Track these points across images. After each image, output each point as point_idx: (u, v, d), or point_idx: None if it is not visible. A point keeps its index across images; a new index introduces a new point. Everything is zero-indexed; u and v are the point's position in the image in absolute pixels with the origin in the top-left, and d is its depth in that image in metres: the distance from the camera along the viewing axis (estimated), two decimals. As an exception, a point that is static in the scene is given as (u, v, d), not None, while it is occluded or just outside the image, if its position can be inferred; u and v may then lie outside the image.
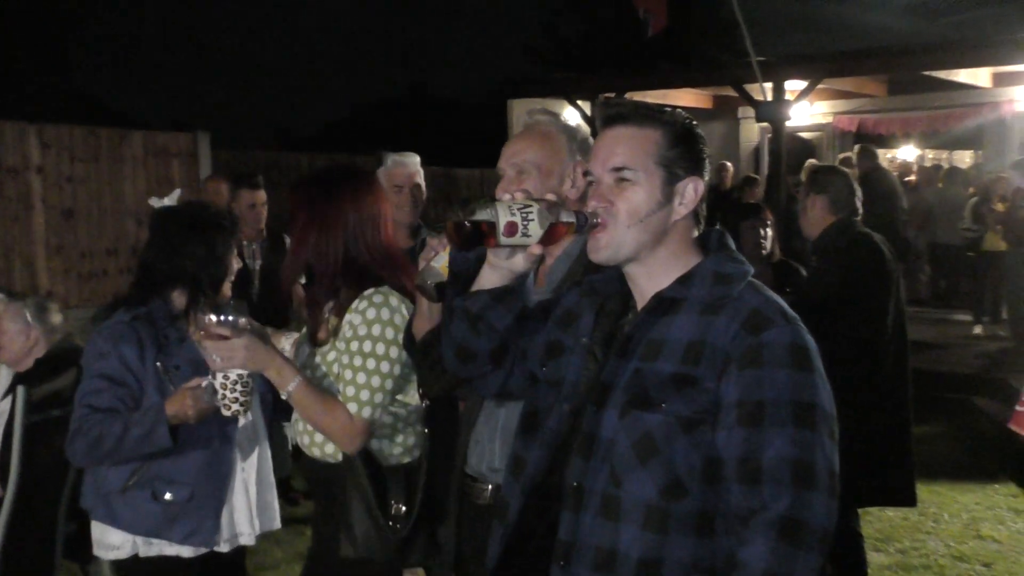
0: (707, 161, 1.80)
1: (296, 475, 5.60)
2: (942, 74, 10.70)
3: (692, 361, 1.64)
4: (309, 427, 2.58)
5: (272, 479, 2.88)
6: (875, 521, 5.52)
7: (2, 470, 3.41)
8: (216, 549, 2.68)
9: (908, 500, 3.87)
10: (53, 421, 3.44)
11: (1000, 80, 12.08)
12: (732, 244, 1.81)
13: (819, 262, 3.92)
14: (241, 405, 2.45)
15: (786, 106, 9.98)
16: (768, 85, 9.92)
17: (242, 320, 2.39)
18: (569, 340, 1.85)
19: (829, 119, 13.16)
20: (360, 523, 2.43)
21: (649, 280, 1.76)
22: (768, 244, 4.28)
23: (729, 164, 11.33)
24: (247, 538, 2.78)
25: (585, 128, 2.41)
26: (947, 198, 11.63)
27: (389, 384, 2.49)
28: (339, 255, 2.52)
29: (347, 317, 2.49)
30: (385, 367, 2.46)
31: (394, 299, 2.50)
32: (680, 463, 1.62)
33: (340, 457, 2.53)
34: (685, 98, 13.10)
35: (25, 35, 16.88)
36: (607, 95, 11.27)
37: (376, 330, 2.46)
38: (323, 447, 2.57)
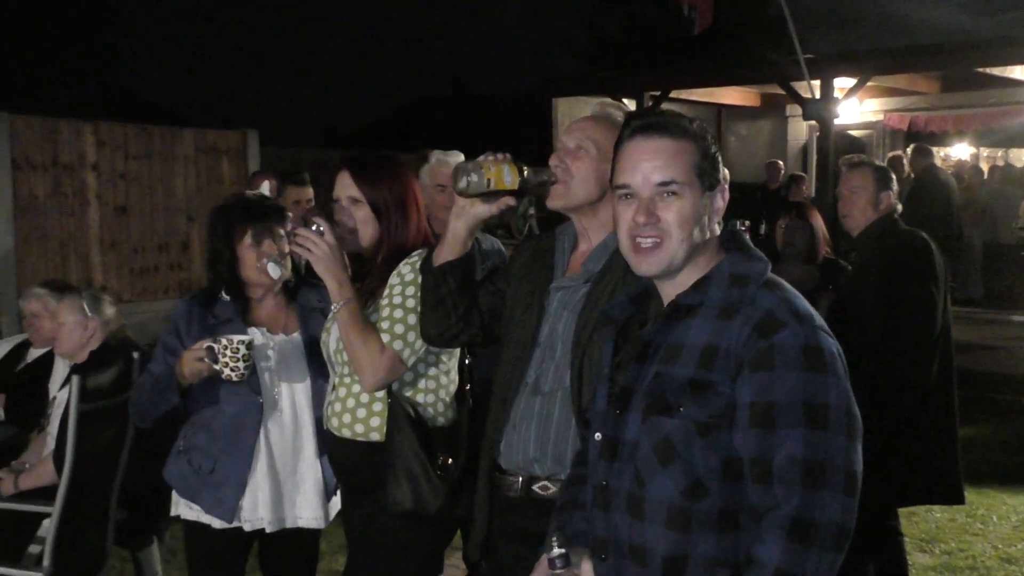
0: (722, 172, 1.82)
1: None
2: (996, 70, 10.50)
3: (707, 366, 1.67)
4: (348, 405, 2.66)
5: (315, 475, 2.91)
6: (921, 522, 5.45)
7: (59, 459, 3.52)
8: (242, 526, 2.84)
9: (956, 499, 3.83)
10: (102, 410, 3.55)
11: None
12: (748, 242, 1.83)
13: (864, 259, 3.89)
14: (232, 370, 2.69)
15: (834, 104, 9.87)
16: (816, 83, 9.82)
17: (328, 235, 2.57)
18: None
19: (880, 117, 12.99)
20: (410, 476, 2.51)
21: (675, 287, 1.79)
22: (810, 242, 4.24)
23: (780, 162, 11.23)
24: (308, 521, 2.90)
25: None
26: (1002, 197, 11.43)
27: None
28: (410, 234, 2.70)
29: (390, 279, 2.63)
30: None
31: None
32: (699, 465, 1.65)
33: (381, 435, 2.59)
34: (732, 96, 13.03)
35: (79, 35, 17.26)
36: (652, 93, 11.23)
37: (417, 278, 2.57)
38: (368, 421, 2.64)
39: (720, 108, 13.58)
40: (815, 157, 12.26)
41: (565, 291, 2.28)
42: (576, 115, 13.00)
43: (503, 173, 2.21)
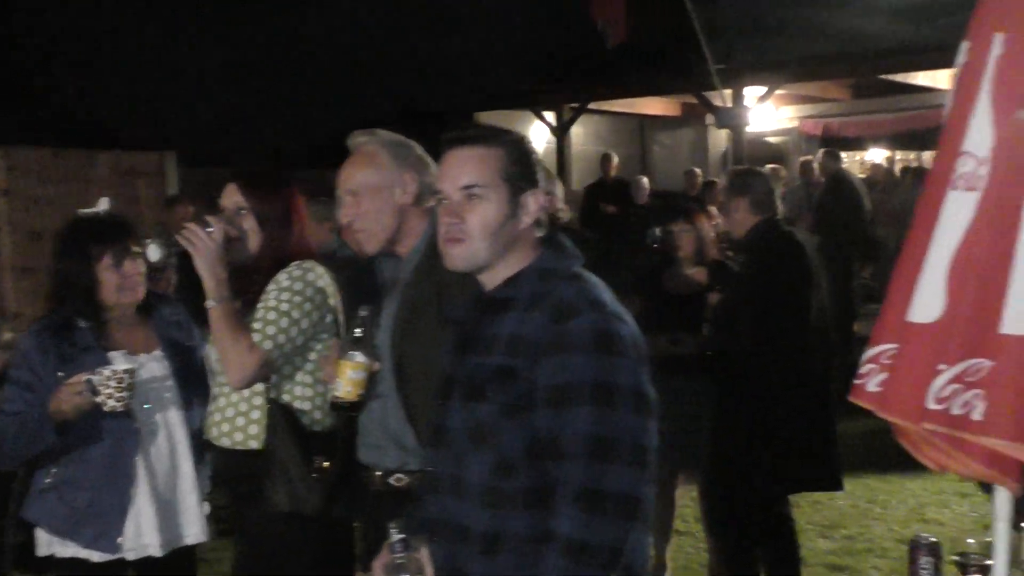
0: (541, 175, 1.98)
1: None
2: (901, 77, 10.92)
3: (512, 353, 1.82)
4: (228, 414, 2.76)
5: (195, 492, 2.93)
6: (825, 509, 5.68)
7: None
8: (124, 556, 2.80)
9: (834, 486, 4.03)
10: None
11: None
12: (564, 241, 1.98)
13: (745, 261, 4.08)
14: (118, 400, 2.62)
15: (745, 112, 10.17)
16: (728, 92, 10.12)
17: (217, 234, 2.65)
18: None
19: (795, 123, 13.40)
20: (287, 478, 2.61)
21: (493, 283, 1.95)
22: (698, 245, 4.43)
23: (698, 170, 11.52)
24: (196, 536, 2.92)
25: (410, 142, 2.63)
26: (914, 198, 11.81)
27: (295, 331, 2.68)
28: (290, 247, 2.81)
29: (268, 286, 2.74)
30: (296, 314, 2.68)
31: (309, 264, 2.78)
32: (507, 446, 1.79)
33: (260, 443, 2.69)
34: (654, 106, 13.33)
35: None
36: (571, 105, 11.46)
37: (293, 285, 2.70)
38: (246, 429, 2.73)
39: (642, 118, 13.89)
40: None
41: (388, 299, 2.52)
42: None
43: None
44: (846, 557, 5.00)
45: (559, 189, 4.11)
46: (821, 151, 10.48)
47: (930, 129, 12.68)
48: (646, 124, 14.27)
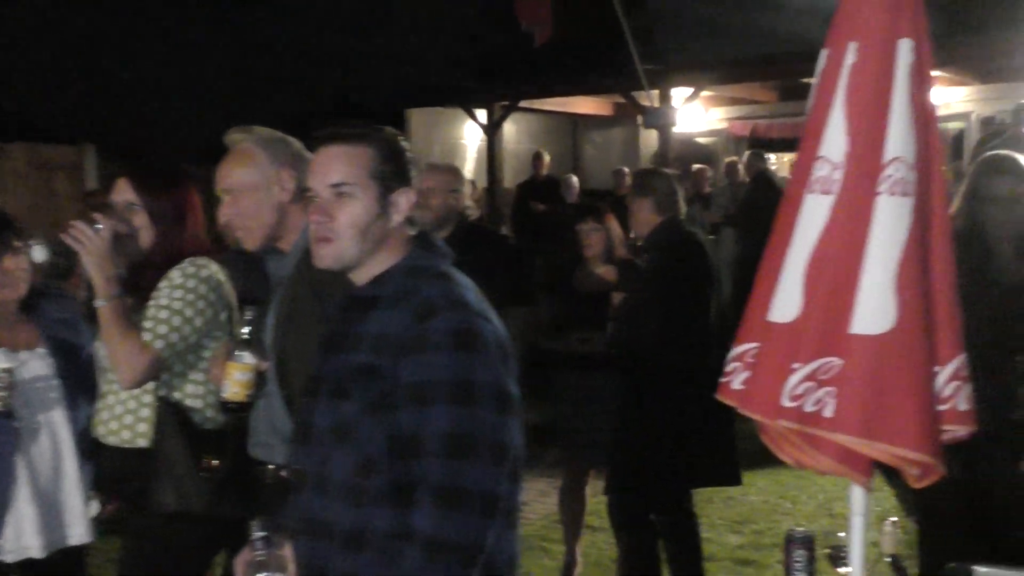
0: (414, 173, 1.98)
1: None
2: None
3: (376, 351, 1.83)
4: (116, 412, 2.73)
5: (79, 492, 2.87)
6: (737, 505, 5.80)
7: None
8: (3, 559, 2.74)
9: (734, 481, 4.11)
10: None
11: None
12: (434, 240, 1.99)
13: (648, 260, 4.13)
14: None
15: (673, 112, 10.29)
16: (656, 92, 10.23)
17: (105, 232, 2.62)
18: None
19: (724, 124, 13.58)
20: (175, 477, 2.60)
21: (363, 282, 1.95)
22: (607, 244, 4.48)
23: (625, 169, 11.62)
24: (80, 537, 2.86)
25: (288, 138, 2.63)
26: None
27: (187, 330, 2.67)
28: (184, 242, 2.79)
29: (159, 283, 2.72)
30: (189, 312, 2.67)
31: (203, 261, 2.76)
32: (369, 444, 1.80)
33: (148, 441, 2.68)
34: (586, 105, 13.41)
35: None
36: (502, 103, 11.48)
37: (186, 282, 2.69)
38: (135, 428, 2.71)
39: (575, 117, 13.97)
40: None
41: (275, 297, 2.53)
42: (430, 125, 13.14)
43: None
44: (753, 552, 5.10)
45: (468, 187, 4.13)
46: (747, 152, 10.66)
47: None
48: (579, 123, 14.35)
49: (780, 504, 5.83)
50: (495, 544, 1.80)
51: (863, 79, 1.86)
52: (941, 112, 12.34)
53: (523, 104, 11.72)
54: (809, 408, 1.83)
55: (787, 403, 1.84)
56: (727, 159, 10.92)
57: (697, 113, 13.52)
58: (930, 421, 1.80)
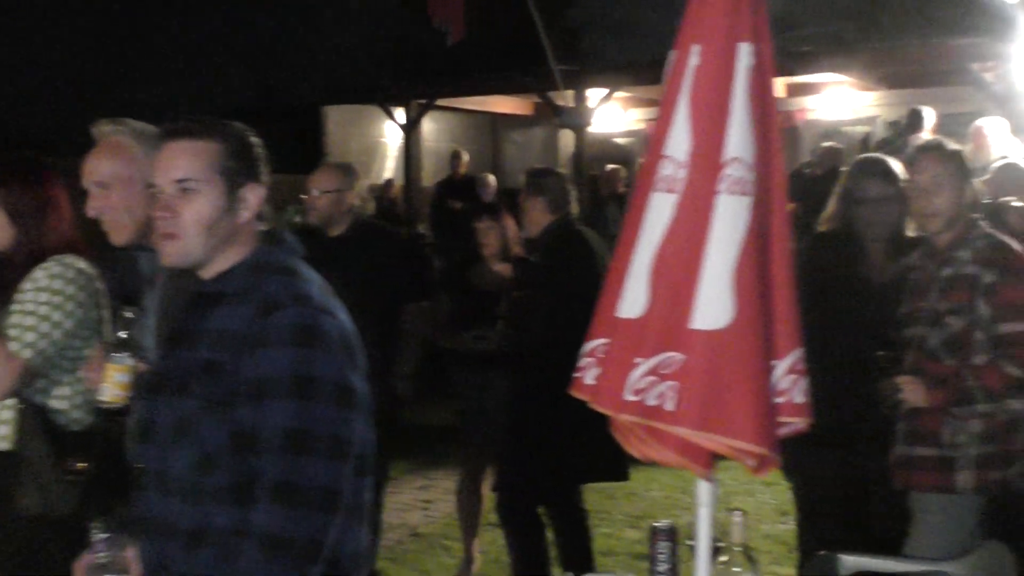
0: (264, 168, 1.97)
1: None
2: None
3: (219, 347, 1.82)
4: None
5: None
6: (638, 500, 5.88)
7: None
8: None
9: (620, 476, 4.17)
10: None
11: (794, 91, 12.92)
12: (285, 236, 1.99)
13: (539, 259, 4.17)
14: None
15: (587, 113, 10.39)
16: (571, 92, 10.32)
17: None
18: None
19: (643, 125, 13.76)
20: (39, 481, 2.54)
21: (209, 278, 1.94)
22: (502, 242, 4.51)
23: (463, 153, 11.54)
24: None
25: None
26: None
27: (57, 334, 2.59)
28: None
29: (22, 284, 2.63)
30: (57, 316, 2.59)
31: (70, 260, 2.67)
32: (208, 440, 1.79)
33: (10, 443, 2.60)
34: (506, 105, 13.46)
35: None
36: (419, 101, 11.46)
37: (52, 283, 2.60)
38: None
39: (494, 116, 14.01)
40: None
41: (150, 295, 2.49)
42: (349, 123, 13.04)
43: None
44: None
45: (358, 184, 4.12)
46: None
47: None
48: (498, 122, 14.38)
49: (681, 499, 5.92)
50: (339, 540, 1.80)
51: (705, 81, 1.90)
52: (850, 116, 12.75)
53: (441, 103, 11.72)
54: (651, 402, 1.87)
55: (630, 397, 1.88)
56: (641, 159, 11.04)
57: (615, 114, 13.67)
58: (766, 414, 1.85)
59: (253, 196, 1.92)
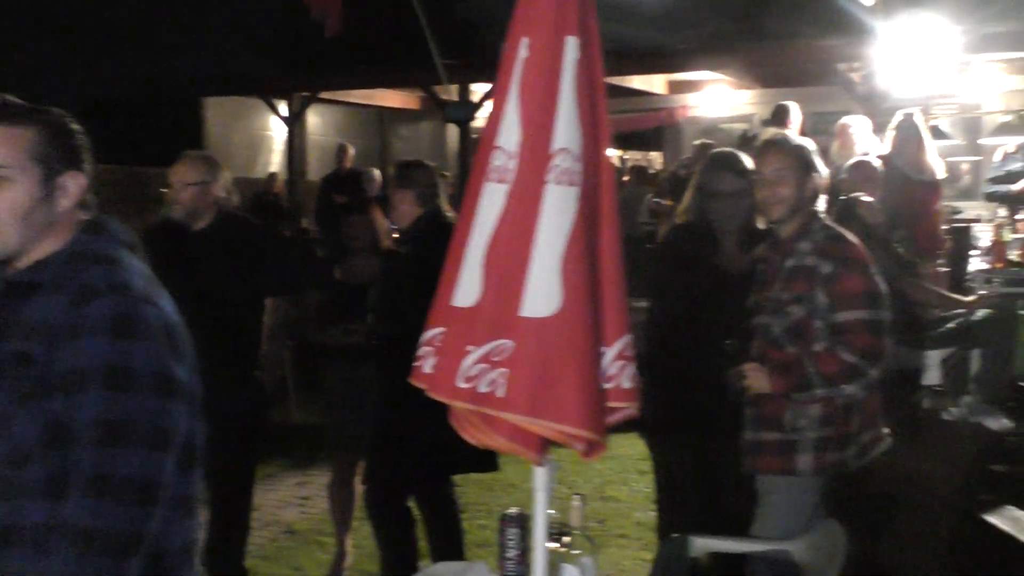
0: (86, 155, 1.91)
1: None
2: (616, 80, 11.57)
3: (32, 338, 1.76)
4: None
5: None
6: (516, 492, 5.92)
7: None
8: None
9: (490, 466, 4.21)
10: None
11: (675, 88, 13.24)
12: (107, 224, 1.93)
13: (409, 251, 4.17)
14: None
15: (472, 108, 10.42)
16: (455, 87, 10.33)
17: None
18: None
19: (528, 120, 13.88)
20: None
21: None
22: (371, 235, 4.50)
23: (349, 147, 11.49)
24: None
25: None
26: (635, 195, 12.60)
27: None
28: None
29: None
30: None
31: None
32: (21, 435, 1.73)
33: None
34: (393, 98, 13.39)
35: None
36: (303, 94, 11.30)
37: None
38: None
39: (382, 110, 13.92)
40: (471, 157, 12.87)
41: None
42: (232, 116, 12.76)
43: None
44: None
45: (223, 175, 4.04)
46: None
47: (648, 131, 13.58)
48: (386, 116, 14.31)
49: (558, 489, 5.95)
50: (164, 532, 1.77)
51: (533, 73, 1.94)
52: (729, 113, 13.12)
53: (326, 96, 11.58)
54: (483, 389, 1.90)
55: (462, 384, 1.91)
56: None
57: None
58: (594, 399, 1.91)
59: (73, 184, 1.87)
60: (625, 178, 13.20)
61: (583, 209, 1.91)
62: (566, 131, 1.91)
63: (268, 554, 5.02)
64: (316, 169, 12.64)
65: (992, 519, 4.05)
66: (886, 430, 3.23)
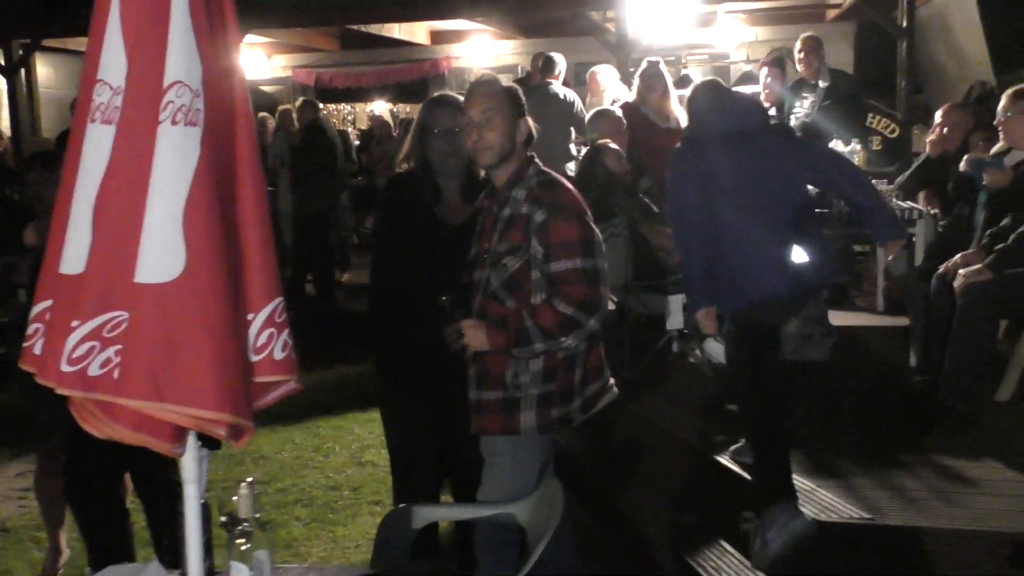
0: None
1: None
2: (380, 30, 11.17)
3: None
4: None
5: None
6: (267, 464, 5.61)
7: None
8: None
9: (211, 445, 3.86)
10: None
11: (437, 38, 12.97)
12: None
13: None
14: None
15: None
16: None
17: None
18: None
19: (289, 72, 13.24)
20: None
21: None
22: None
23: None
24: None
25: None
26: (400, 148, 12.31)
27: None
28: None
29: None
30: None
31: None
32: None
33: None
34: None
35: None
36: (22, 41, 10.18)
37: None
38: None
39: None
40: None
41: None
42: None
43: None
44: (273, 511, 4.93)
45: None
46: (299, 100, 10.40)
47: (415, 81, 13.28)
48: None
49: (313, 459, 5.72)
50: None
51: (130, 7, 1.62)
52: (493, 63, 13.02)
53: (52, 44, 10.48)
54: (95, 372, 1.59)
55: (67, 368, 1.58)
56: (281, 107, 10.58)
57: (260, 61, 13.03)
58: (233, 377, 1.63)
59: None
60: (395, 133, 12.89)
61: (207, 154, 1.62)
62: (180, 61, 1.60)
63: (-29, 557, 4.47)
64: (52, 125, 11.49)
65: (722, 458, 4.13)
66: (611, 380, 3.14)
